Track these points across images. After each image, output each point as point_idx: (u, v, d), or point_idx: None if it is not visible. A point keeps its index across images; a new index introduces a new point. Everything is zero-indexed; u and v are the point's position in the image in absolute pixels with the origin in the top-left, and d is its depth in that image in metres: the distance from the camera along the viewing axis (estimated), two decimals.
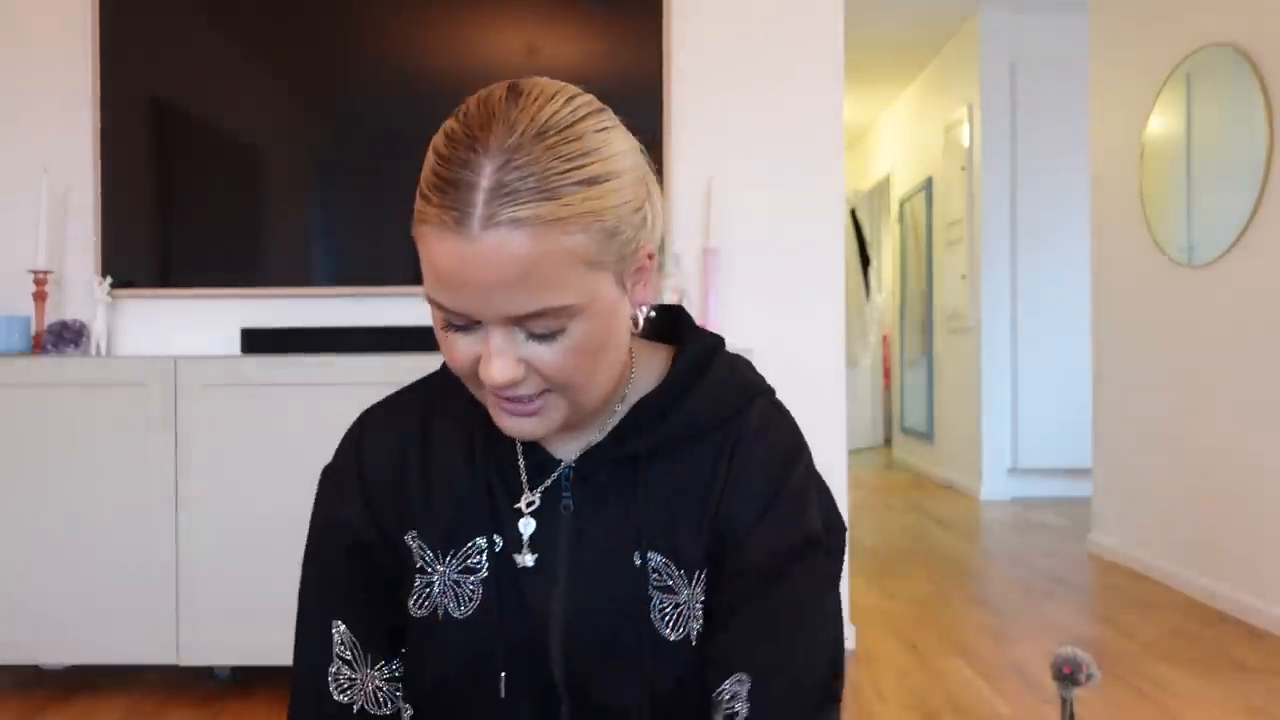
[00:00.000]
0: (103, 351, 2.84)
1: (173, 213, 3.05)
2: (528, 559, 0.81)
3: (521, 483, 0.83)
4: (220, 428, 2.56)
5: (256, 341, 2.87)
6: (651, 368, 0.85)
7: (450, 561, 0.82)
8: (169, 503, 2.56)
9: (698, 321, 1.00)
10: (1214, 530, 3.59)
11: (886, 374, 9.41)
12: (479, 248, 0.66)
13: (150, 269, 3.00)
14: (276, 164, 3.04)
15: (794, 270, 3.01)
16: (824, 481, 0.87)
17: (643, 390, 0.83)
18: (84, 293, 2.97)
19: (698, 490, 0.81)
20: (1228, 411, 3.52)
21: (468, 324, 0.72)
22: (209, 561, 2.55)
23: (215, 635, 2.55)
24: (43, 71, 3.03)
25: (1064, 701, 1.10)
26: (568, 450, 0.83)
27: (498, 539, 0.81)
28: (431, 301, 0.72)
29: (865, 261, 8.76)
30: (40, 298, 2.85)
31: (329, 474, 0.88)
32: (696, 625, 0.80)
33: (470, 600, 0.81)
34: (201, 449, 2.57)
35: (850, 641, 3.05)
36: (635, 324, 0.79)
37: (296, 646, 0.88)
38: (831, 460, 2.82)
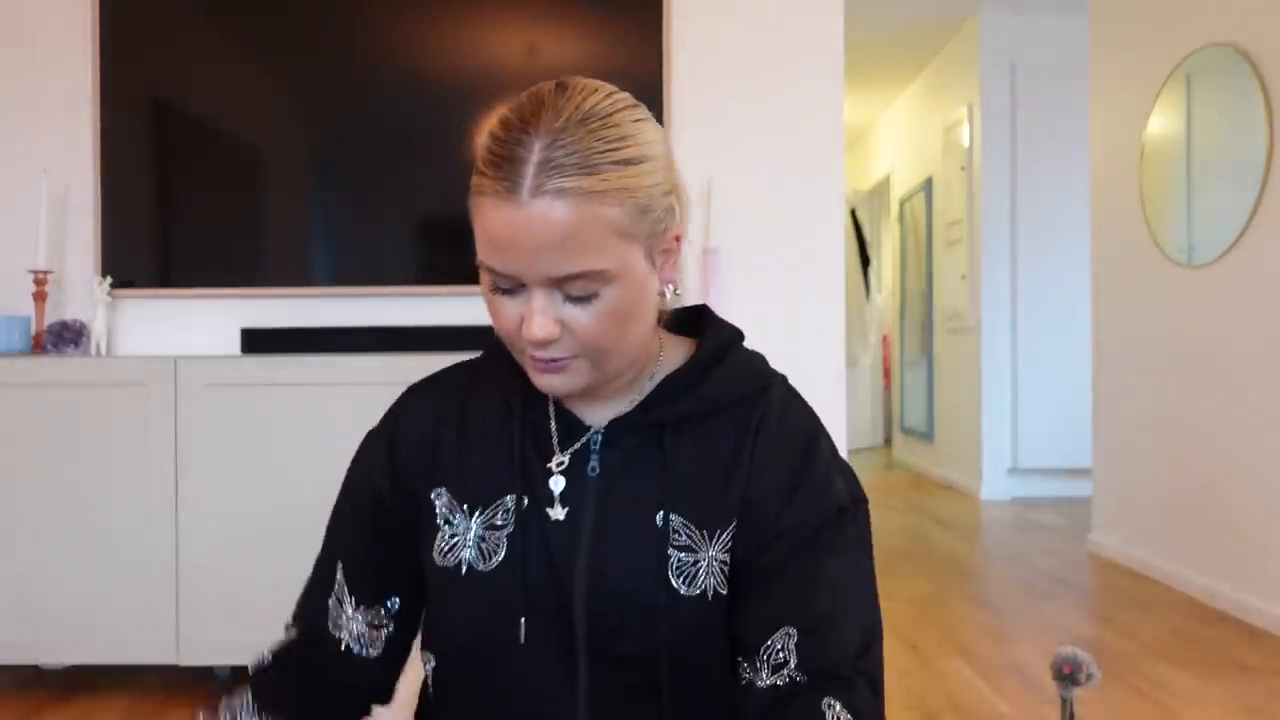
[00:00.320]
0: (103, 351, 2.84)
1: (173, 213, 3.05)
2: (559, 512, 0.87)
3: (553, 445, 0.89)
4: (220, 428, 2.56)
5: (256, 341, 2.87)
6: (677, 354, 0.93)
7: (478, 517, 0.88)
8: (169, 503, 2.56)
9: None
10: (1214, 530, 3.59)
11: (886, 374, 9.41)
12: (527, 214, 0.76)
13: (150, 269, 3.00)
14: (276, 164, 3.04)
15: (794, 270, 3.01)
16: (843, 460, 0.93)
17: (669, 371, 0.91)
18: (84, 293, 2.97)
19: (721, 463, 0.87)
20: (1228, 411, 3.52)
21: (513, 287, 0.80)
22: (209, 561, 2.55)
23: (215, 635, 2.55)
24: (43, 71, 3.03)
25: (1064, 701, 1.09)
26: (597, 419, 0.90)
27: (526, 498, 0.88)
28: (483, 267, 0.81)
29: (865, 261, 8.76)
30: (40, 298, 2.85)
31: (368, 436, 0.98)
32: (714, 583, 0.85)
33: (495, 554, 0.87)
34: (201, 449, 2.57)
35: None
36: (663, 300, 0.87)
37: (309, 578, 0.97)
38: None
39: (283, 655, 0.93)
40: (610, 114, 0.80)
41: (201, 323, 2.96)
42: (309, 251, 3.04)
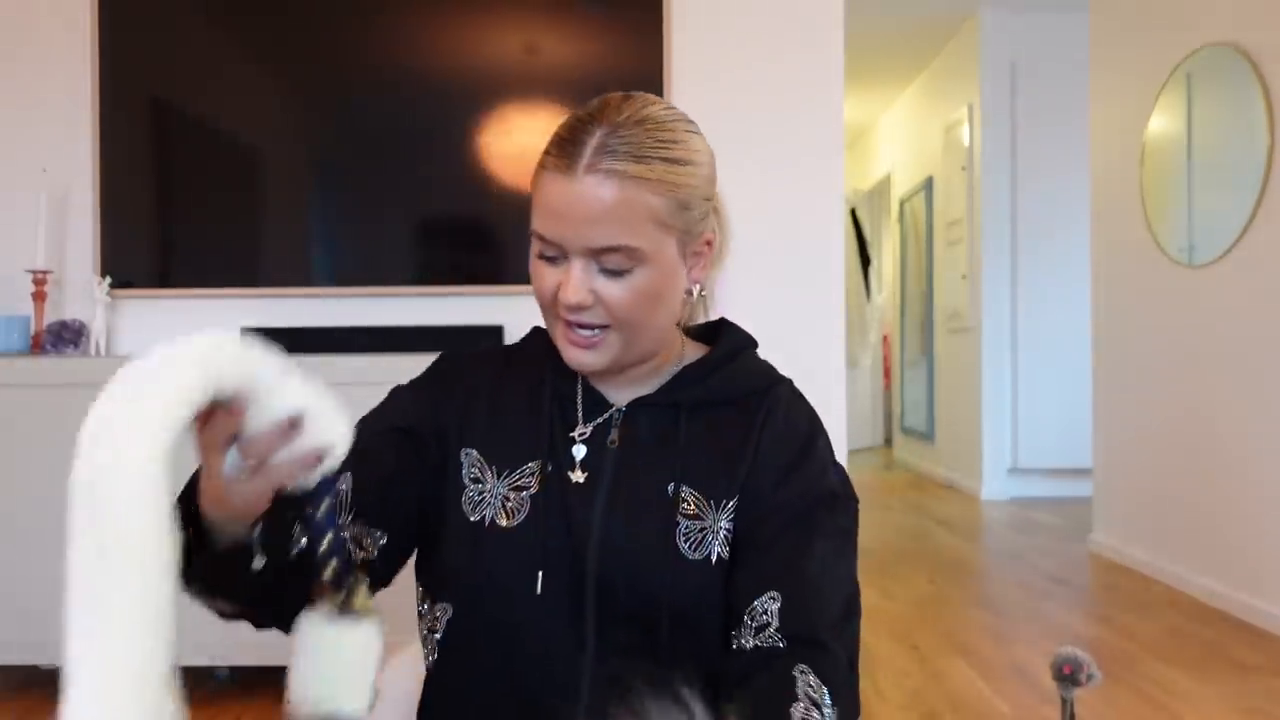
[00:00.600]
0: (102, 351, 2.84)
1: (173, 213, 3.05)
2: (579, 476, 0.95)
3: (578, 417, 0.97)
4: None
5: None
6: (696, 354, 1.02)
7: (503, 479, 0.95)
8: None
9: None
10: (1214, 530, 3.59)
11: (886, 374, 9.41)
12: (579, 187, 0.86)
13: (150, 269, 3.00)
14: (276, 164, 3.04)
15: (794, 270, 3.01)
16: (839, 463, 1.00)
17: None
18: (84, 293, 2.97)
19: (729, 445, 0.95)
20: (1228, 411, 3.52)
21: (557, 255, 0.89)
22: None
23: (215, 635, 2.55)
24: (43, 71, 3.03)
25: (1064, 702, 1.09)
26: (620, 398, 0.98)
27: (550, 465, 0.95)
28: (534, 235, 0.90)
29: (865, 261, 8.76)
30: (40, 298, 2.85)
31: (407, 384, 1.03)
32: (718, 548, 0.92)
33: (519, 513, 0.93)
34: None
35: None
36: (689, 298, 0.97)
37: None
38: None
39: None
40: (666, 121, 0.91)
41: (201, 323, 2.96)
42: (308, 252, 3.04)
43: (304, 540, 0.78)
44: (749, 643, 0.88)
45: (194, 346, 0.67)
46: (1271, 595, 3.25)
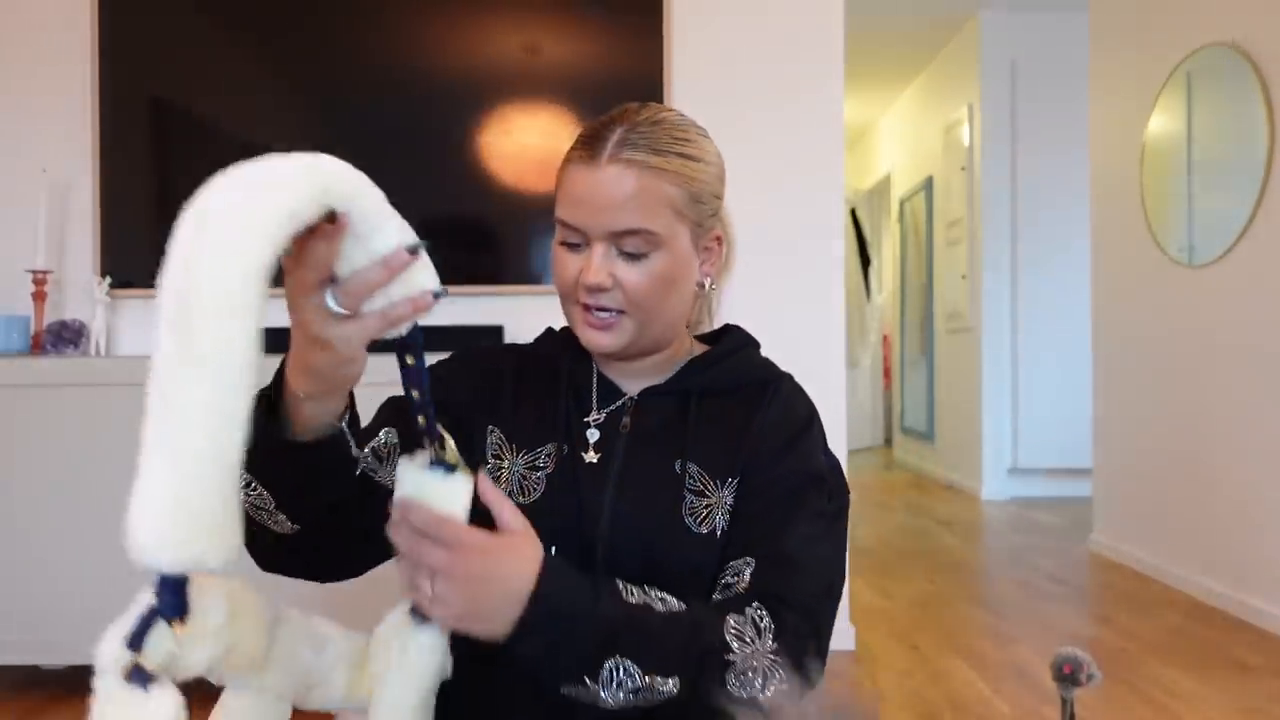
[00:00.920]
0: (102, 351, 2.84)
1: (172, 213, 3.01)
2: (592, 456, 1.00)
3: (592, 404, 1.04)
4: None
5: None
6: (703, 352, 1.09)
7: (521, 458, 1.01)
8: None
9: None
10: (1214, 530, 3.59)
11: (886, 374, 9.41)
12: (600, 175, 0.93)
13: (150, 269, 2.96)
14: None
15: (794, 270, 3.01)
16: (834, 455, 1.04)
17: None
18: (83, 293, 2.97)
19: (732, 429, 1.01)
20: (1228, 411, 3.52)
21: (579, 243, 0.96)
22: None
23: None
24: (43, 71, 3.03)
25: (1064, 702, 1.09)
26: (632, 388, 1.04)
27: (565, 447, 1.00)
28: (558, 223, 0.97)
29: (865, 261, 8.76)
30: (40, 298, 2.85)
31: (437, 362, 1.06)
32: (722, 523, 0.97)
33: (535, 490, 0.99)
34: None
35: (850, 641, 3.05)
36: (701, 291, 1.04)
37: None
38: None
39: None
40: (681, 124, 0.99)
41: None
42: None
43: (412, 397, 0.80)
44: (718, 597, 0.93)
45: (307, 158, 0.67)
46: (1271, 595, 3.25)
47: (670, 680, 0.84)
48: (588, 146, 0.95)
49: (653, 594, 0.88)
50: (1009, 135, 6.06)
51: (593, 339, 0.98)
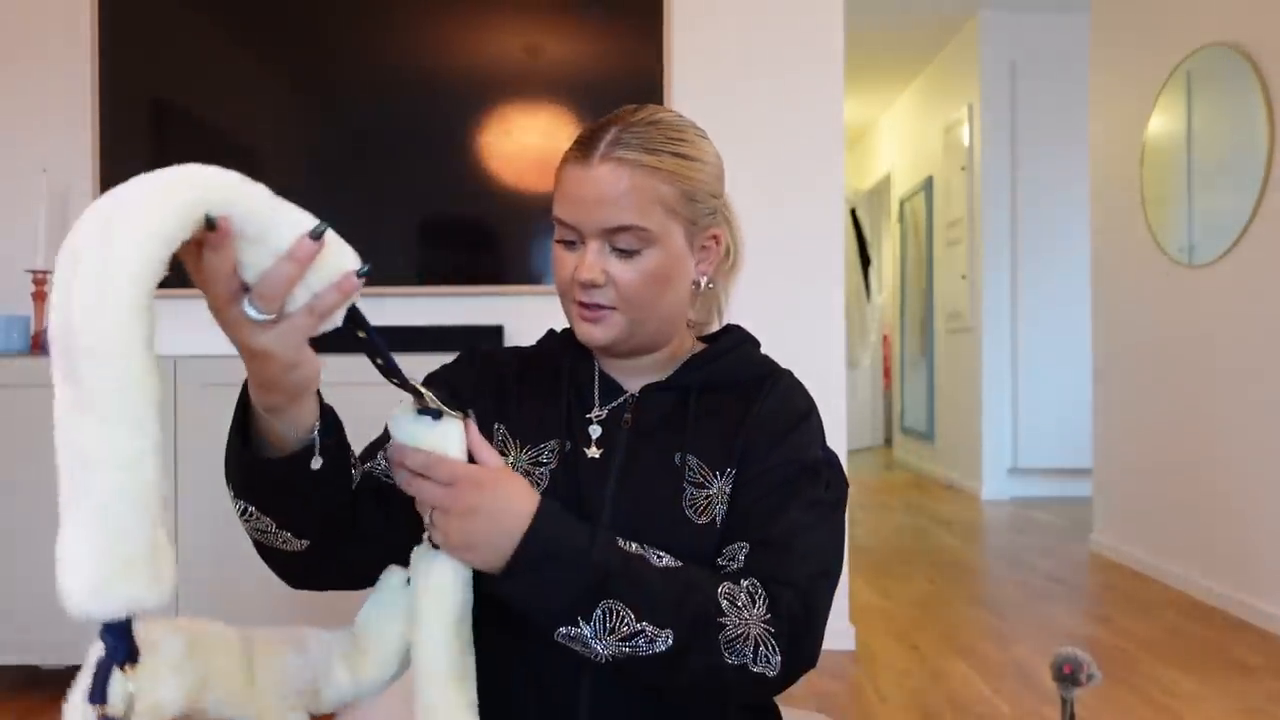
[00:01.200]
0: None
1: None
2: (595, 452, 1.02)
3: (594, 401, 1.05)
4: (220, 427, 2.54)
5: None
6: (703, 349, 1.11)
7: (525, 454, 1.02)
8: (169, 502, 2.56)
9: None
10: (1214, 530, 3.59)
11: (886, 374, 9.41)
12: (593, 173, 0.95)
13: None
14: (276, 164, 3.04)
15: (794, 270, 3.01)
16: (831, 449, 1.05)
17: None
18: None
19: (731, 421, 1.02)
20: (1228, 411, 3.52)
21: (574, 241, 0.98)
22: (208, 562, 2.55)
23: None
24: (43, 71, 3.03)
25: (1064, 702, 1.09)
26: (633, 386, 1.06)
27: (568, 443, 1.02)
28: (555, 221, 0.99)
29: (865, 261, 8.76)
30: (40, 298, 2.85)
31: (442, 367, 1.11)
32: (722, 513, 0.98)
33: (538, 486, 0.99)
34: (201, 448, 2.57)
35: (850, 641, 3.05)
36: (697, 289, 1.05)
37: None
38: None
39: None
40: (677, 124, 1.00)
41: (201, 323, 2.94)
42: None
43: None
44: None
45: (168, 173, 0.63)
46: (1271, 595, 3.25)
47: (663, 633, 0.85)
48: (582, 146, 0.97)
49: (650, 551, 0.90)
50: (1009, 135, 6.06)
51: (586, 331, 1.00)
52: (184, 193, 0.62)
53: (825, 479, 1.01)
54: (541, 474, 1.01)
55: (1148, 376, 4.07)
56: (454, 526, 0.83)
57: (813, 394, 1.08)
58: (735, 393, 1.04)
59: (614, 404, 1.05)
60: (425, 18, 2.98)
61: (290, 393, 0.79)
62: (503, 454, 1.02)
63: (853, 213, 8.45)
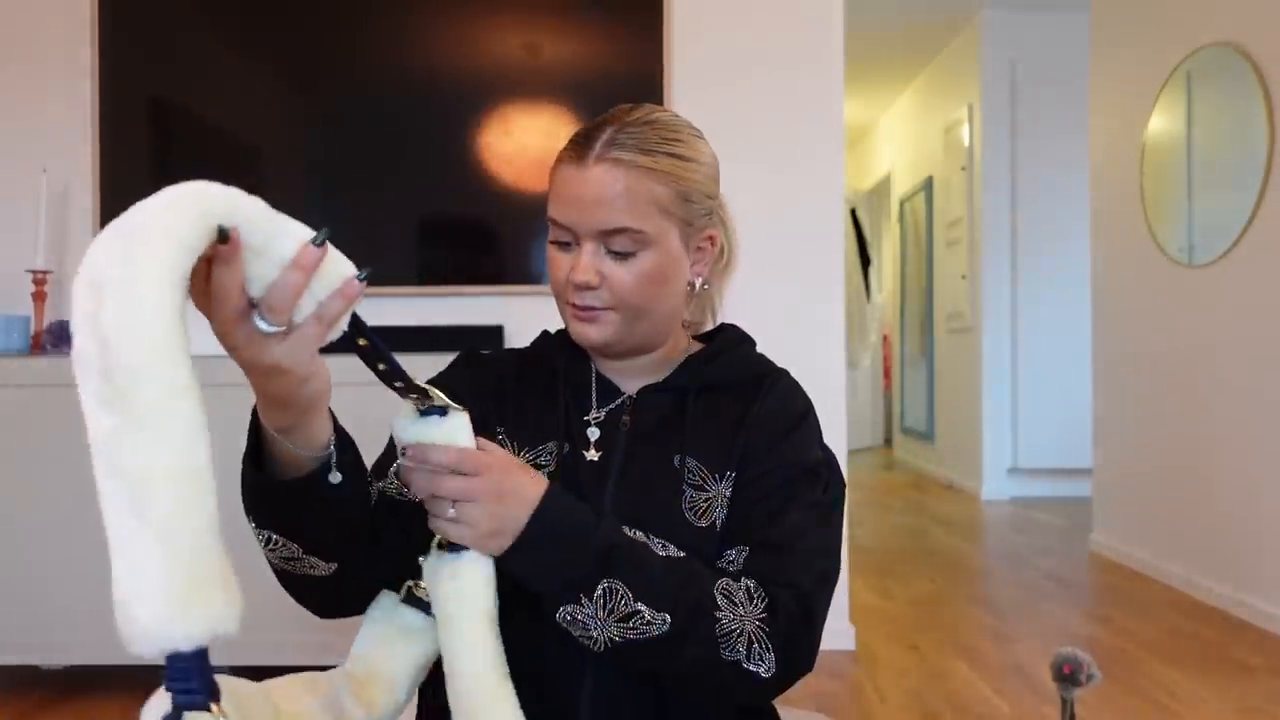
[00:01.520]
0: None
1: None
2: (593, 454, 1.01)
3: (592, 403, 1.05)
4: (220, 427, 2.55)
5: None
6: (699, 349, 1.11)
7: (523, 456, 1.01)
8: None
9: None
10: (1214, 530, 3.59)
11: (886, 374, 9.41)
12: (588, 174, 0.95)
13: None
14: (276, 164, 3.04)
15: (794, 270, 3.01)
16: (829, 448, 1.05)
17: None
18: None
19: (729, 422, 1.02)
20: (1228, 411, 3.52)
21: (569, 241, 0.97)
22: None
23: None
24: (43, 71, 3.03)
25: (1064, 702, 1.09)
26: (630, 387, 1.05)
27: (567, 445, 1.02)
28: (549, 222, 0.98)
29: (865, 261, 8.76)
30: (40, 298, 2.85)
31: (439, 374, 1.10)
32: (721, 515, 0.98)
33: None
34: None
35: (850, 641, 3.05)
36: (692, 290, 1.04)
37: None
38: None
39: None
40: (673, 124, 0.99)
41: (201, 322, 2.95)
42: None
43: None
44: None
45: (171, 190, 0.62)
46: (1271, 595, 3.25)
47: (660, 616, 0.85)
48: (577, 147, 0.97)
49: (654, 540, 0.91)
50: (1009, 135, 6.06)
51: (581, 330, 1.00)
52: (194, 204, 0.61)
53: (824, 480, 1.01)
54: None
55: (1148, 377, 4.07)
56: (484, 513, 0.83)
57: (813, 394, 1.08)
58: (733, 393, 1.04)
59: (612, 405, 1.04)
60: (425, 18, 2.98)
61: (303, 408, 0.78)
62: None
63: (853, 213, 8.45)
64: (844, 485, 1.04)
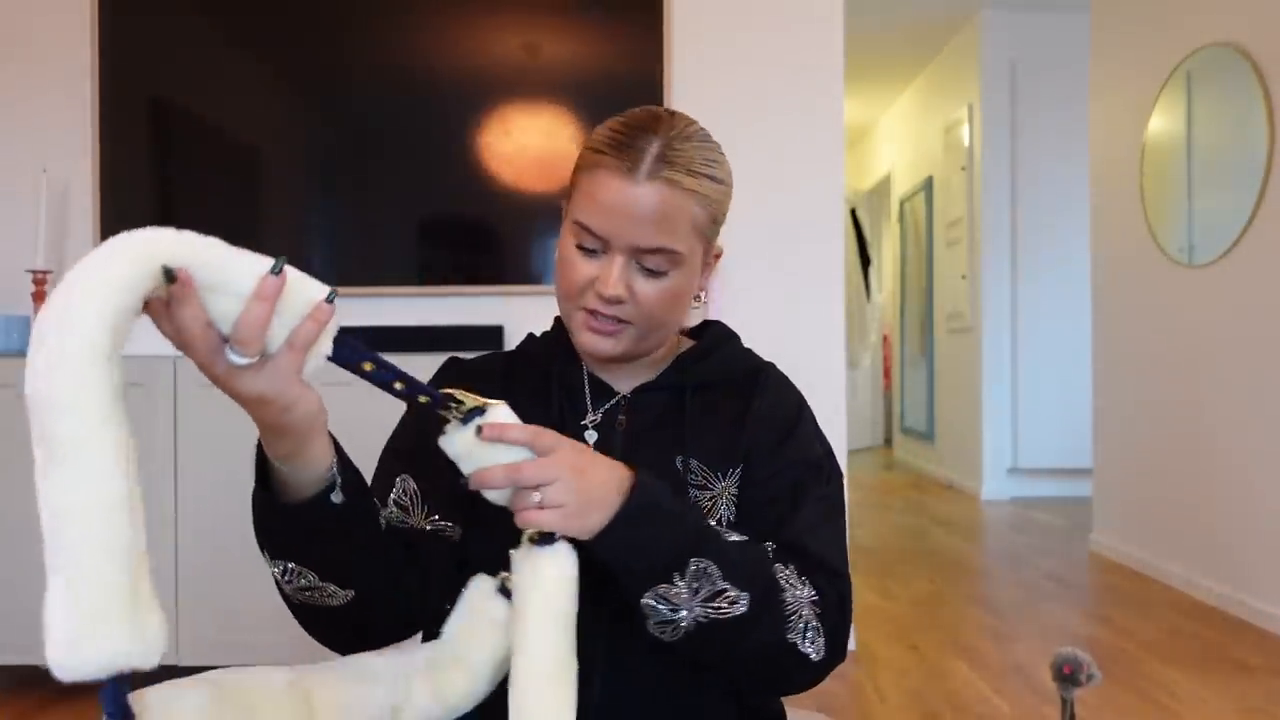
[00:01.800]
0: None
1: (172, 213, 3.05)
2: None
3: (587, 405, 1.04)
4: (220, 427, 2.56)
5: None
6: (689, 346, 1.11)
7: None
8: (168, 502, 2.56)
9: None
10: (1214, 530, 3.59)
11: (886, 374, 9.41)
12: (639, 191, 0.92)
13: None
14: (276, 164, 3.04)
15: (794, 270, 3.01)
16: (824, 437, 1.07)
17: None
18: None
19: (727, 420, 1.02)
20: (1228, 411, 3.52)
21: (597, 249, 0.95)
22: (209, 561, 2.55)
23: (214, 635, 2.55)
24: (43, 71, 3.03)
25: (1064, 702, 1.09)
26: (624, 386, 1.05)
27: None
28: (577, 224, 0.95)
29: (865, 261, 8.76)
30: (40, 298, 2.85)
31: (436, 372, 1.09)
32: (727, 514, 0.98)
33: None
34: (201, 449, 2.57)
35: (850, 641, 3.05)
36: (695, 301, 1.04)
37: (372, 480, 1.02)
38: None
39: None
40: (707, 141, 0.99)
41: None
42: (308, 252, 3.04)
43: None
44: None
45: (121, 236, 0.64)
46: (1271, 595, 3.25)
47: (743, 596, 0.85)
48: (624, 155, 0.93)
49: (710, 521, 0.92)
50: (1009, 135, 6.06)
51: (595, 344, 0.98)
52: (136, 246, 0.63)
53: (827, 472, 1.02)
54: None
55: (1148, 377, 4.07)
56: (570, 490, 0.81)
57: (813, 394, 1.09)
58: (728, 390, 1.05)
59: (607, 406, 1.04)
60: (425, 18, 2.98)
61: (298, 435, 0.78)
62: None
63: (853, 213, 8.45)
64: (842, 474, 1.06)
